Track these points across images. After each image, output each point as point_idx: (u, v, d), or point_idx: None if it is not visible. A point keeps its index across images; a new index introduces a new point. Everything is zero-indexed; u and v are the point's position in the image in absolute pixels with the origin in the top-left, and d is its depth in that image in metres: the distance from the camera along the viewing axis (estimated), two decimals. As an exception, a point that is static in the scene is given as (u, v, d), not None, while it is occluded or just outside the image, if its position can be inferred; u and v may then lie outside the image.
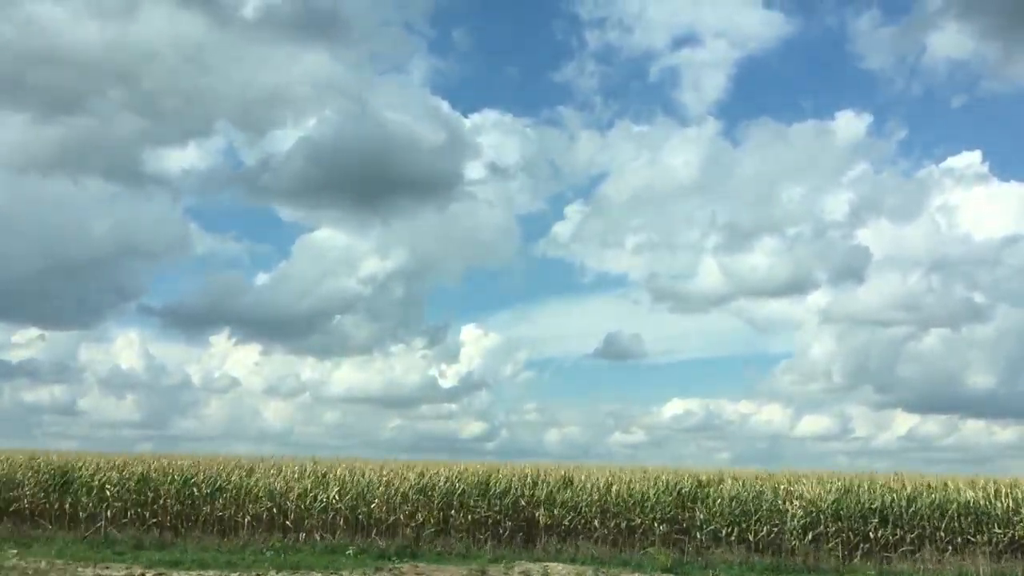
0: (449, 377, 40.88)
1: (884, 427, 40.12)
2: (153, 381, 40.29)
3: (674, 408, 39.48)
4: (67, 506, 18.48)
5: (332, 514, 18.17)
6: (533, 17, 51.64)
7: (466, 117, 49.77)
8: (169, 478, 18.62)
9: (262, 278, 46.99)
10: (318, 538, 17.79)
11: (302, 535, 17.92)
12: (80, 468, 19.05)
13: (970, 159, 43.86)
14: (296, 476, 18.89)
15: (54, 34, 41.11)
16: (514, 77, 52.16)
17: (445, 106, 48.35)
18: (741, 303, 45.74)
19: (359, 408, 43.01)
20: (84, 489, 18.50)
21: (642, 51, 50.43)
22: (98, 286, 44.34)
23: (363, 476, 18.81)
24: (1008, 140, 51.50)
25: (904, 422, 40.15)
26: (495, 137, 49.57)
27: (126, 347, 41.17)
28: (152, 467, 19.12)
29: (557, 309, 49.81)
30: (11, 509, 18.58)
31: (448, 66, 50.77)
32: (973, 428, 39.41)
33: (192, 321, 44.61)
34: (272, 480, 18.68)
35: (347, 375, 42.81)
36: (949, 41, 46.94)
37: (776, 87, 51.24)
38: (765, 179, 47.61)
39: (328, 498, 18.19)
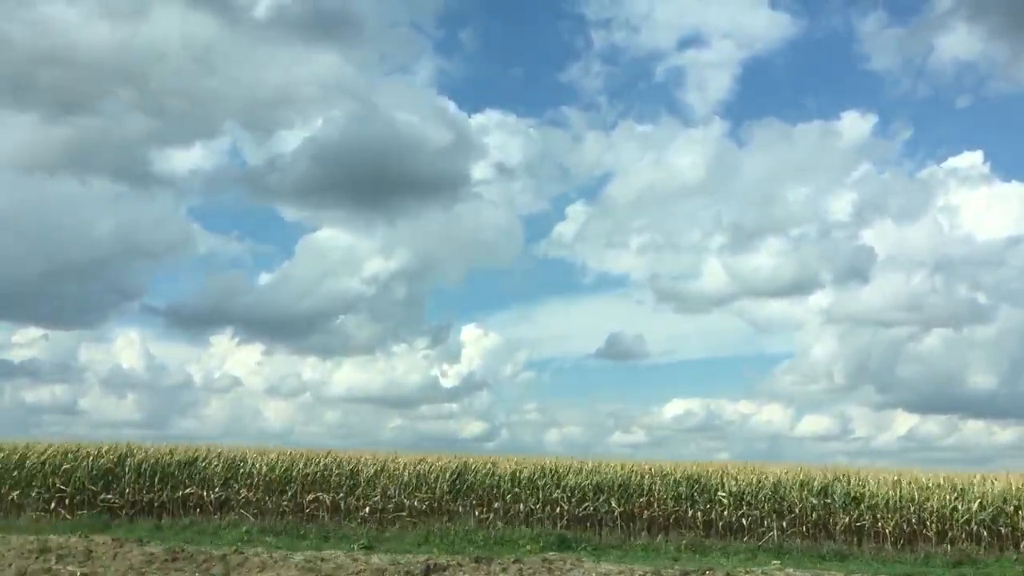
0: (451, 377, 41.12)
1: (884, 427, 39.48)
2: (154, 381, 41.20)
3: (675, 408, 39.24)
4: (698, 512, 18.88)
5: (975, 527, 18.25)
6: (539, 17, 51.69)
7: (471, 117, 49.80)
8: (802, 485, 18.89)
9: (266, 278, 47.08)
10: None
11: (945, 547, 18.03)
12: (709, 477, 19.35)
13: (973, 159, 43.76)
14: (928, 486, 18.95)
15: (64, 34, 41.49)
16: (519, 77, 51.87)
17: (451, 106, 48.36)
18: (745, 303, 45.45)
19: (360, 408, 42.97)
20: (715, 496, 18.88)
21: (648, 51, 50.19)
22: (101, 286, 44.52)
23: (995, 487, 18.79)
24: (1013, 140, 50.69)
25: (904, 422, 39.52)
26: (500, 137, 49.12)
27: (128, 347, 41.95)
28: (785, 475, 19.38)
29: (559, 309, 49.61)
30: (644, 515, 19.02)
31: (454, 66, 51.48)
32: (973, 428, 38.84)
33: (195, 321, 44.60)
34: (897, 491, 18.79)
35: (348, 375, 43.22)
36: (957, 42, 46.47)
37: (782, 88, 50.70)
38: (770, 179, 47.51)
39: (970, 510, 18.26)
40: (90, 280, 44.47)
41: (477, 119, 49.59)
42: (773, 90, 51.53)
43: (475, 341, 42.90)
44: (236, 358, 43.35)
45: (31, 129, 45.03)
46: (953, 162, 44.31)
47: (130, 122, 44.19)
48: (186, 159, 49.58)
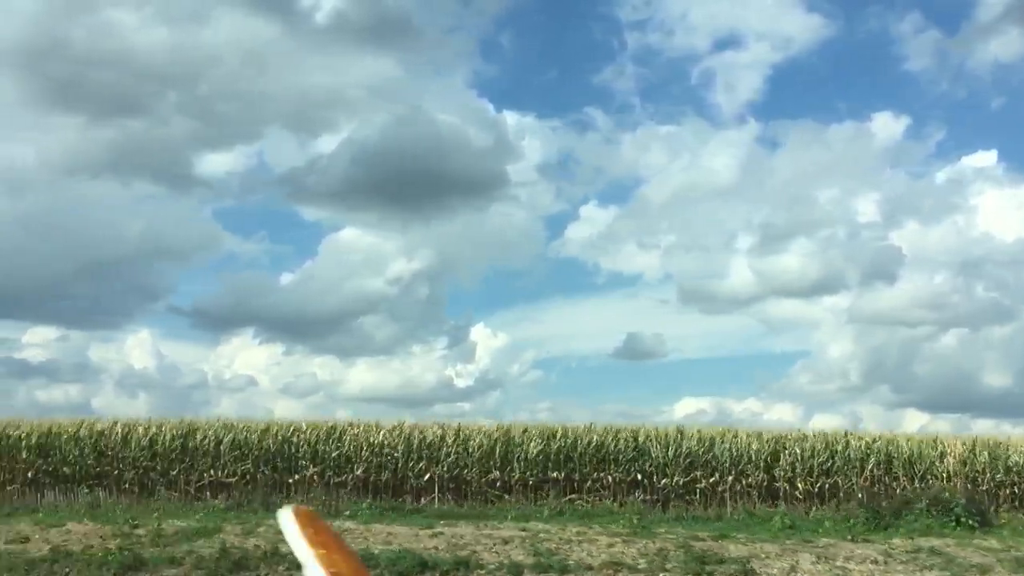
0: (465, 376, 40.58)
1: (894, 426, 37.90)
2: (171, 381, 40.60)
3: (686, 407, 38.54)
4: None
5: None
6: (573, 20, 51.06)
7: (508, 119, 48.83)
8: None
9: (291, 279, 45.77)
10: None
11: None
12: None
13: (996, 159, 44.23)
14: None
15: (121, 37, 41.05)
16: (553, 80, 50.63)
17: (490, 108, 47.65)
18: (770, 304, 45.49)
19: (371, 408, 43.39)
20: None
21: (683, 53, 49.30)
22: (126, 287, 43.94)
23: None
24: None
25: (914, 421, 38.02)
26: (535, 139, 48.55)
27: (150, 347, 40.79)
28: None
29: (580, 309, 48.67)
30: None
31: (492, 68, 50.40)
32: (983, 427, 38.32)
33: (219, 322, 44.47)
34: None
35: (364, 375, 42.66)
36: (1000, 44, 46.05)
37: (815, 89, 50.52)
38: (800, 181, 47.24)
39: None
40: (115, 281, 43.95)
41: (513, 121, 48.44)
42: (806, 92, 50.59)
43: (491, 341, 42.90)
44: (253, 358, 42.87)
45: (78, 131, 43.74)
46: (985, 162, 43.39)
47: (175, 125, 43.63)
48: (226, 162, 49.28)
